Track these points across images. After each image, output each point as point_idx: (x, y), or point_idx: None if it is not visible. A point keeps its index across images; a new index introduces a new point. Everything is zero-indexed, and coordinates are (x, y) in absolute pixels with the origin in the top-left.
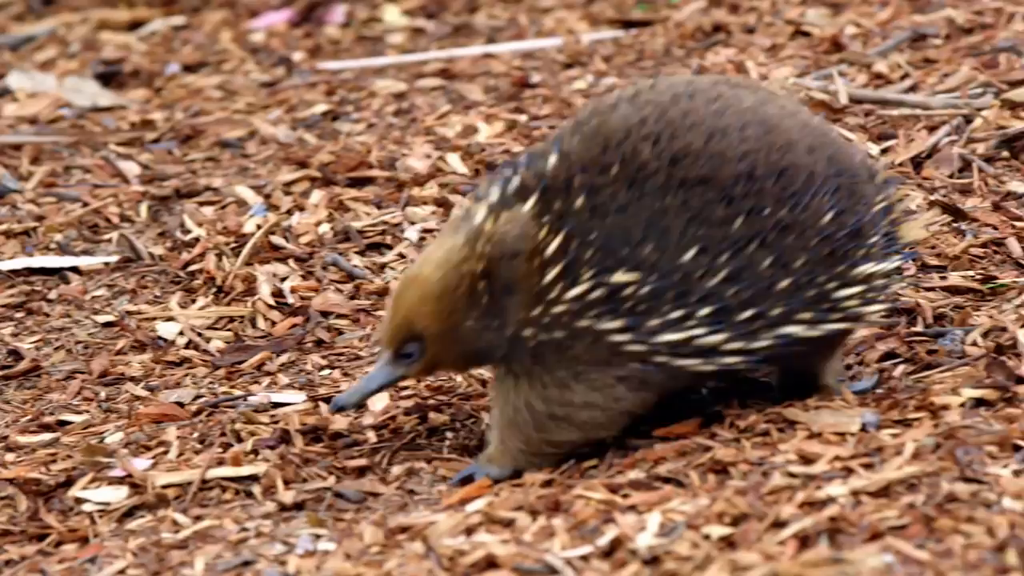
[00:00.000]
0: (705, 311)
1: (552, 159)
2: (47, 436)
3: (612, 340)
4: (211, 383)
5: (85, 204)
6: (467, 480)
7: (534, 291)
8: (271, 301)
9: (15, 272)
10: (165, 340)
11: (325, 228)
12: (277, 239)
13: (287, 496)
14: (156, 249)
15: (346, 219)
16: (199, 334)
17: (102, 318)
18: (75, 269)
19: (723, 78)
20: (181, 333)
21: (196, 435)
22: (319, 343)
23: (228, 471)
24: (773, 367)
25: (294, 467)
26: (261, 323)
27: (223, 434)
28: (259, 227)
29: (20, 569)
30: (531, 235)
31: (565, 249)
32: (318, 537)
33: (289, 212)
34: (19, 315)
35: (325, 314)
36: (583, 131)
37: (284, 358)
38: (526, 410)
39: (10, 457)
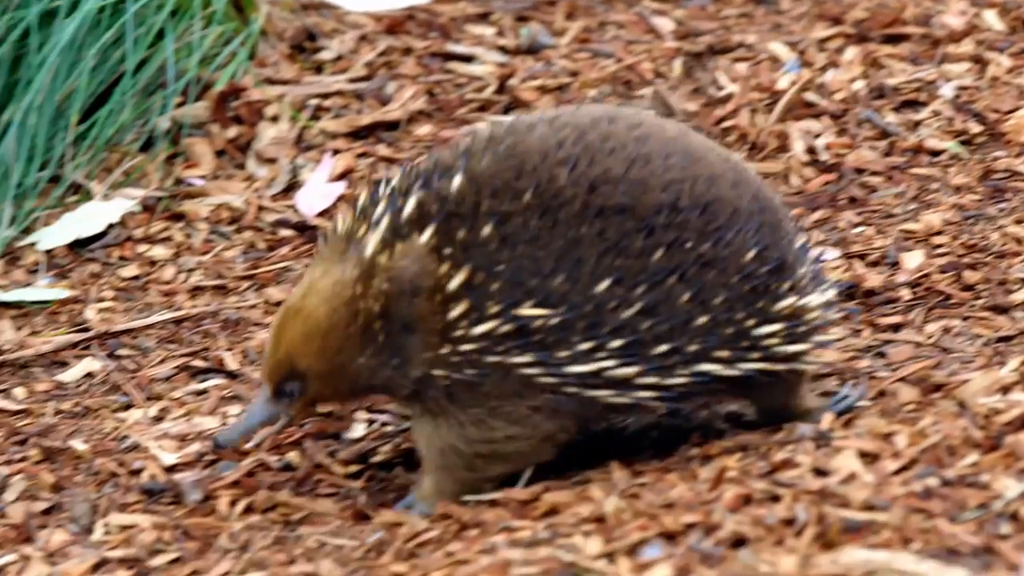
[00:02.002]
0: (617, 343)
1: (457, 180)
2: None
3: (522, 373)
4: None
5: (619, 60)
6: (409, 507)
7: (437, 328)
8: (805, 158)
9: None
10: None
11: (859, 85)
12: (811, 96)
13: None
14: (689, 105)
15: (880, 76)
16: None
17: None
18: None
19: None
20: None
21: None
22: (852, 200)
23: None
24: (697, 404)
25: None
26: (795, 180)
27: None
28: (793, 84)
29: None
30: (431, 271)
31: (469, 284)
32: (845, 397)
33: (823, 69)
34: None
35: (859, 171)
36: (495, 151)
37: (817, 215)
38: (452, 453)
39: None
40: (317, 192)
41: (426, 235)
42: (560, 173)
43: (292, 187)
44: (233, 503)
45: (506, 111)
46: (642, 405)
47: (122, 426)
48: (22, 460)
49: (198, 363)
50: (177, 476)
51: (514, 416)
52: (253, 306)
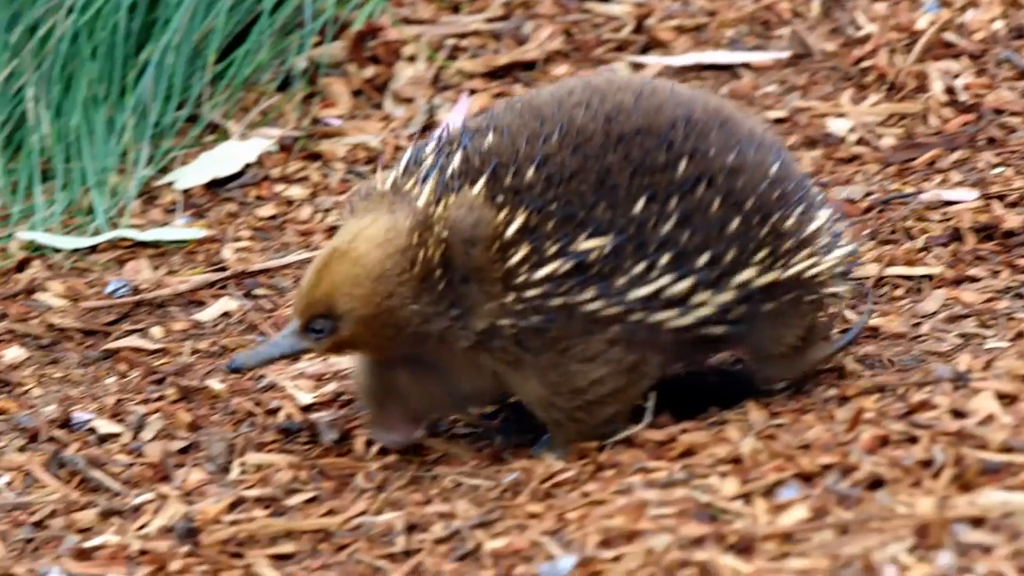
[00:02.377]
0: (665, 259)
1: (489, 136)
2: None
3: (586, 310)
4: (882, 180)
5: (757, 0)
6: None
7: (498, 277)
8: (943, 98)
9: (687, 68)
10: (835, 136)
11: (999, 25)
12: (950, 35)
13: (967, 295)
14: (827, 45)
15: (1020, 16)
16: (870, 131)
17: (773, 114)
18: (746, 65)
19: None
20: (852, 129)
21: (867, 232)
22: (991, 141)
23: (900, 270)
24: (751, 338)
25: (963, 265)
26: (933, 120)
27: (893, 231)
28: (932, 23)
29: None
30: (488, 220)
31: (526, 228)
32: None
33: (962, 8)
34: None
35: (998, 111)
36: (513, 108)
37: (956, 155)
38: (550, 407)
39: None
40: None
41: (478, 185)
42: (577, 113)
43: (429, 127)
44: (369, 443)
45: (643, 51)
46: (707, 333)
47: None
48: (159, 399)
49: None
50: (313, 416)
51: (589, 353)
52: None
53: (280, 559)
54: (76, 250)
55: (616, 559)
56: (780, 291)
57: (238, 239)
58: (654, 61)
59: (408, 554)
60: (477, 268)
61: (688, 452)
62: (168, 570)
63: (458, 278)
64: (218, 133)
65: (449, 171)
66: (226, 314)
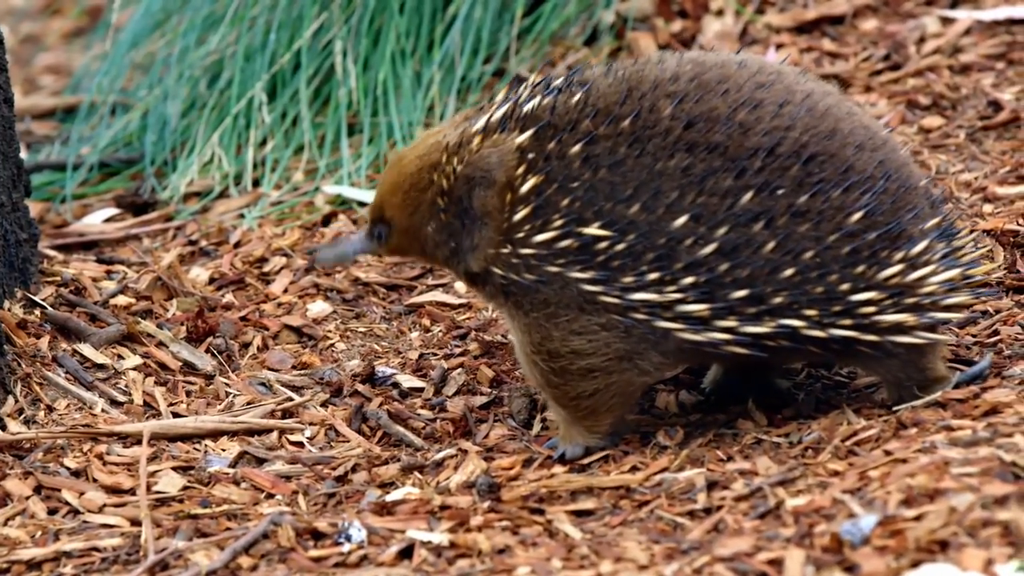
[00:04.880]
0: (689, 280)
1: (577, 96)
2: None
3: (584, 288)
4: None
5: None
6: (554, 448)
7: (503, 227)
8: None
9: (997, 23)
10: None
11: None
12: None
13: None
14: None
15: None
16: None
17: None
18: None
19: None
20: None
21: None
22: None
23: None
24: (782, 361)
25: None
26: None
27: None
28: None
29: None
30: (509, 167)
31: (538, 191)
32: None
33: None
34: (1000, 65)
35: None
36: (616, 74)
37: None
38: (531, 366)
39: (988, 208)
40: None
41: (523, 136)
42: (664, 105)
43: None
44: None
45: (953, 5)
46: (725, 349)
47: None
48: (462, 354)
49: None
50: None
51: (575, 327)
52: None
53: (580, 515)
54: None
55: (918, 518)
56: (831, 347)
57: None
58: (963, 15)
59: (708, 511)
60: (485, 212)
61: (992, 411)
62: (469, 525)
63: (460, 213)
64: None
65: (517, 111)
66: None
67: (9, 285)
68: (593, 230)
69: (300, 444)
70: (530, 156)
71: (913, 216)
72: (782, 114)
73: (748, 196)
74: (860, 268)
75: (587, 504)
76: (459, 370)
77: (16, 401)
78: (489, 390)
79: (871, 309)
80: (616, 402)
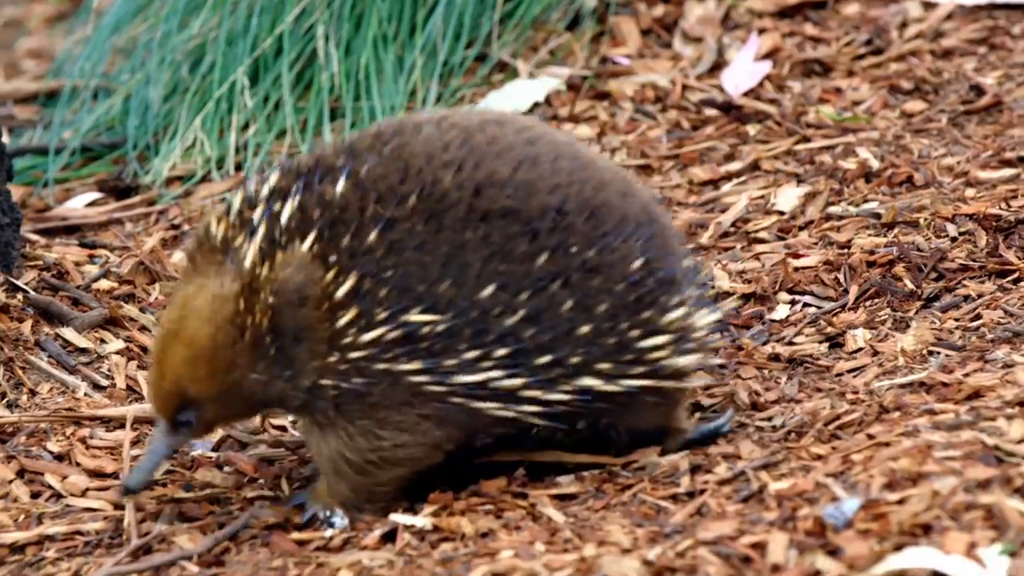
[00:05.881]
0: (502, 352)
1: (341, 183)
2: (1007, 172)
3: (410, 381)
4: None
5: None
6: (301, 507)
7: (325, 337)
8: None
9: (979, 7)
10: None
11: None
12: None
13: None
14: None
15: None
16: None
17: None
18: None
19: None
20: None
21: None
22: None
23: None
24: (583, 424)
25: None
26: None
27: None
28: None
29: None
30: (316, 279)
31: (357, 292)
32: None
33: None
34: (982, 50)
35: None
36: (380, 152)
37: None
38: (343, 461)
39: (970, 192)
40: (743, 71)
41: (308, 242)
42: (445, 176)
43: (718, 66)
44: None
45: None
46: (524, 420)
47: None
48: None
49: None
50: None
51: (403, 425)
52: (677, 186)
53: (563, 499)
54: None
55: (901, 501)
56: (620, 396)
57: None
58: (945, 1)
59: (691, 495)
60: (305, 327)
61: (975, 395)
62: (452, 509)
63: (289, 340)
64: (507, 72)
65: (282, 222)
66: None
67: None
68: (415, 316)
69: (283, 428)
70: (332, 259)
71: (676, 258)
72: (558, 169)
73: (544, 257)
74: (647, 314)
75: (570, 488)
76: None
77: None
78: None
79: (662, 354)
80: (405, 481)
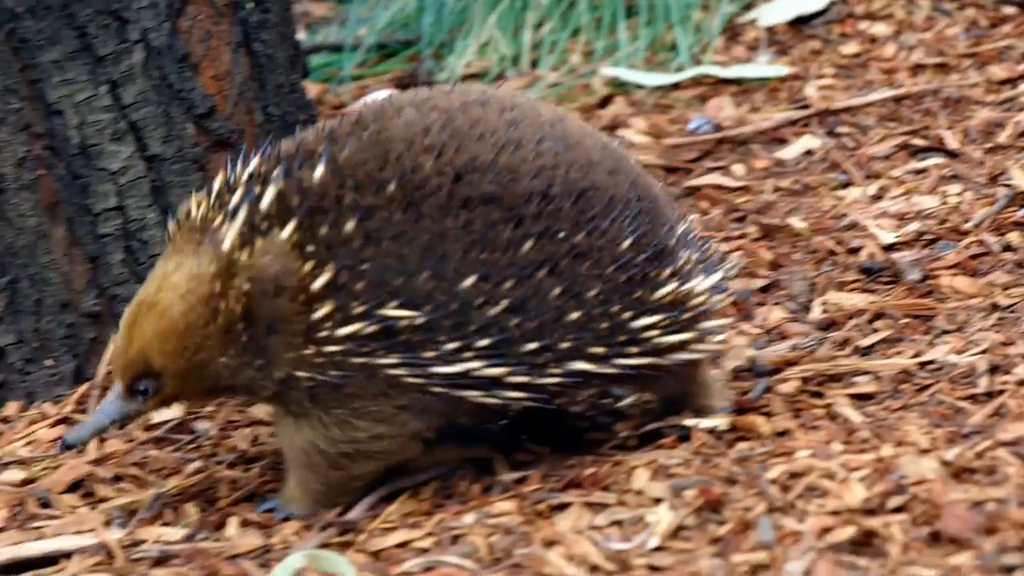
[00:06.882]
0: (484, 343)
1: (319, 170)
2: None
3: (388, 374)
4: None
5: None
6: (270, 511)
7: (302, 329)
8: None
9: None
10: None
11: None
12: None
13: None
14: None
15: None
16: None
17: None
18: None
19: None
20: None
21: None
22: None
23: None
24: (569, 399)
25: None
26: None
27: None
28: None
29: None
30: (293, 270)
31: (334, 284)
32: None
33: None
34: None
35: None
36: (360, 137)
37: None
38: (315, 452)
39: None
40: None
41: (287, 230)
42: (425, 162)
43: None
44: (952, 282)
45: None
46: (518, 406)
47: (840, 204)
48: (740, 237)
49: (917, 141)
50: (895, 255)
51: (380, 415)
52: (974, 84)
53: (860, 399)
54: (659, 87)
55: None
56: (617, 377)
57: (821, 76)
58: None
59: (990, 395)
60: (280, 318)
61: None
62: (747, 410)
63: (262, 329)
64: None
65: (262, 208)
66: (808, 152)
67: None
68: (393, 311)
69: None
70: (309, 249)
71: (668, 229)
72: (542, 152)
73: (529, 245)
74: (638, 293)
75: (867, 388)
76: (738, 253)
77: None
78: (768, 273)
79: (655, 332)
80: (375, 475)
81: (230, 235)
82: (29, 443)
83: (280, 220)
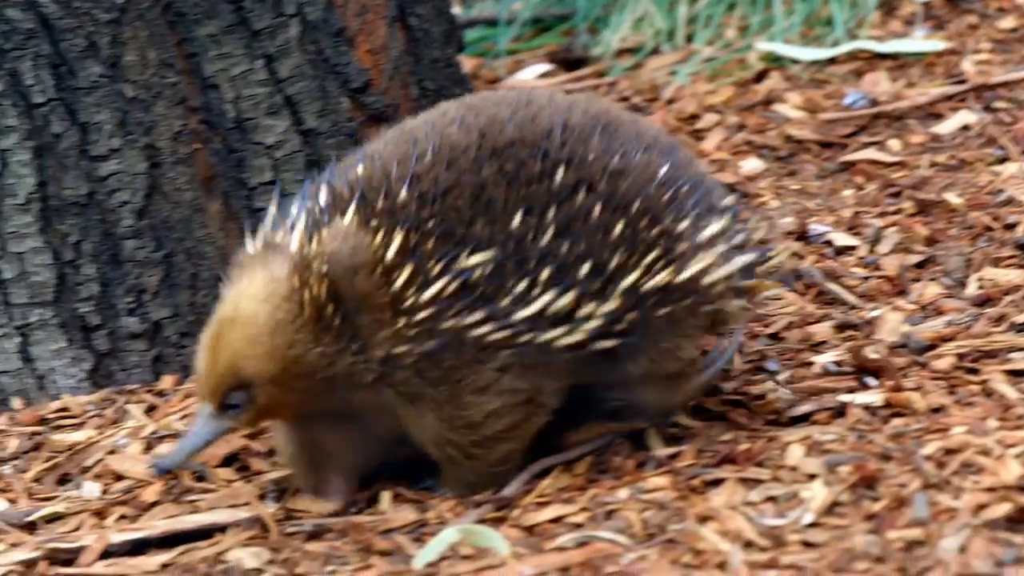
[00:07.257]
0: (545, 273)
1: (359, 166)
2: None
3: (475, 335)
4: None
5: None
6: (428, 490)
7: (387, 302)
8: None
9: None
10: None
11: None
12: None
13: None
14: None
15: None
16: None
17: None
18: None
19: None
20: None
21: None
22: None
23: None
24: (644, 353)
25: None
26: None
27: None
28: None
29: None
30: (365, 245)
31: (406, 248)
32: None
33: None
34: None
35: None
36: (384, 136)
37: None
38: (447, 444)
39: None
40: None
41: (348, 214)
42: (451, 131)
43: None
44: None
45: None
46: (599, 348)
47: (997, 179)
48: (896, 212)
49: None
50: None
51: (480, 383)
52: None
53: (1016, 375)
54: (814, 61)
55: None
56: (674, 297)
57: (978, 51)
58: None
59: None
60: (364, 296)
61: None
62: (902, 385)
63: (351, 309)
64: None
65: (317, 209)
66: (965, 127)
67: None
68: (465, 260)
69: None
70: (374, 223)
71: (707, 191)
72: (556, 100)
73: (561, 171)
74: (693, 212)
75: (1023, 364)
76: (893, 228)
77: None
78: (924, 249)
79: (711, 252)
80: (521, 453)
81: (295, 238)
82: (184, 417)
83: (339, 209)
